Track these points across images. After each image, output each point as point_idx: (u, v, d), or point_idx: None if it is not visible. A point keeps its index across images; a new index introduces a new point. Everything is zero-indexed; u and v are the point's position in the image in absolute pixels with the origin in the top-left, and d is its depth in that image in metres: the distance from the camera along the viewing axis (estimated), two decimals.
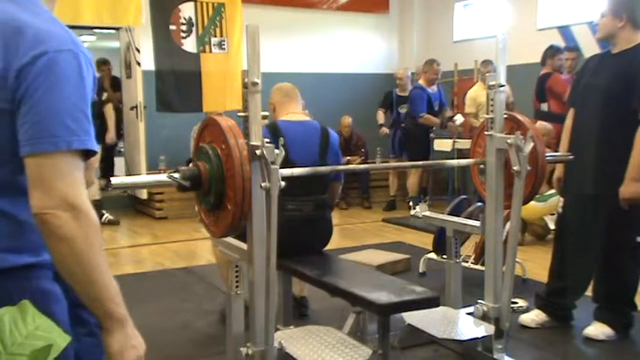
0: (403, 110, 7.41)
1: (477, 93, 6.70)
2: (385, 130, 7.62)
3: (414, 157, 6.83)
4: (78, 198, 1.15)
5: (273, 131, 3.05)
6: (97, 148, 1.21)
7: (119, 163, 7.82)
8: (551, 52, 6.02)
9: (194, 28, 6.31)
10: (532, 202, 3.98)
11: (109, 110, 7.11)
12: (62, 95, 1.14)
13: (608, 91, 3.17)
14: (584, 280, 3.44)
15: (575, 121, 3.39)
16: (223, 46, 6.41)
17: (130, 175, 7.07)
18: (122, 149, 7.96)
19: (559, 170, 3.49)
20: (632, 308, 3.38)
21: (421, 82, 7.12)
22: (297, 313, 3.70)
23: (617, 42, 3.20)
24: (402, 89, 7.49)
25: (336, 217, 6.71)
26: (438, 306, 2.67)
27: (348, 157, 7.64)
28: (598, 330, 3.32)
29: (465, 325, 2.91)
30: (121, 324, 1.22)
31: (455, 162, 3.50)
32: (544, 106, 6.07)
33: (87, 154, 1.20)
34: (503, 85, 2.84)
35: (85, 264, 1.15)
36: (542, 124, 5.32)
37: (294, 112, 3.30)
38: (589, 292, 3.47)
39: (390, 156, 7.66)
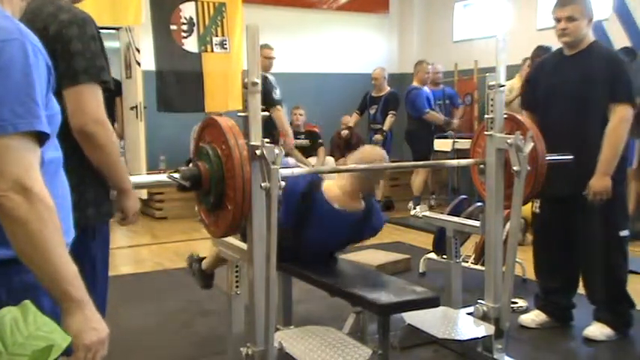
0: (372, 111, 7.36)
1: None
2: (345, 132, 7.60)
3: (417, 157, 6.85)
4: (30, 180, 1.16)
5: (307, 194, 2.79)
6: (48, 130, 1.22)
7: None
8: (538, 53, 5.92)
9: (195, 28, 6.32)
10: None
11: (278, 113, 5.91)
12: (8, 82, 1.17)
13: (577, 93, 3.20)
14: (572, 279, 3.45)
15: (541, 125, 3.35)
16: (225, 46, 6.41)
17: (129, 174, 7.05)
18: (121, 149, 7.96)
19: None
20: (630, 305, 3.37)
21: (415, 83, 7.20)
22: None
23: (579, 43, 3.23)
24: (378, 89, 7.41)
25: None
26: (438, 306, 2.68)
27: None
28: (598, 330, 3.32)
29: (465, 325, 2.91)
30: (79, 306, 1.23)
31: (455, 162, 3.50)
32: None
33: (41, 138, 1.22)
34: (503, 85, 2.84)
35: (40, 246, 1.17)
36: None
37: (349, 200, 2.85)
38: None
39: None
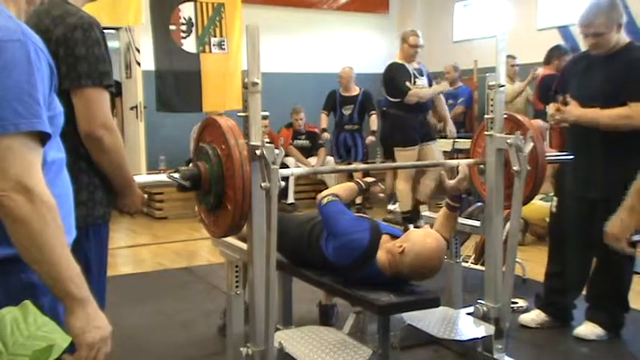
0: (347, 112, 7.13)
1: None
2: (327, 135, 7.34)
3: (386, 155, 6.76)
4: (31, 180, 1.17)
5: (367, 258, 2.62)
6: (50, 130, 1.22)
7: None
8: (559, 52, 5.96)
9: (194, 28, 6.33)
10: (538, 202, 3.98)
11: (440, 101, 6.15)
12: (10, 81, 1.17)
13: (606, 95, 3.14)
14: (581, 279, 3.44)
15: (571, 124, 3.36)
16: (223, 47, 6.42)
17: None
18: None
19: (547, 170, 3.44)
20: (624, 309, 3.36)
21: None
22: (323, 320, 3.43)
23: (612, 47, 3.17)
24: (345, 89, 7.17)
25: None
26: (438, 306, 2.67)
27: None
28: (589, 330, 3.33)
29: (465, 325, 2.91)
30: (81, 304, 1.23)
31: (455, 162, 3.49)
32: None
33: (43, 138, 1.22)
34: (503, 85, 2.84)
35: (42, 245, 1.17)
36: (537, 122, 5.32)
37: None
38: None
39: (337, 161, 7.24)
